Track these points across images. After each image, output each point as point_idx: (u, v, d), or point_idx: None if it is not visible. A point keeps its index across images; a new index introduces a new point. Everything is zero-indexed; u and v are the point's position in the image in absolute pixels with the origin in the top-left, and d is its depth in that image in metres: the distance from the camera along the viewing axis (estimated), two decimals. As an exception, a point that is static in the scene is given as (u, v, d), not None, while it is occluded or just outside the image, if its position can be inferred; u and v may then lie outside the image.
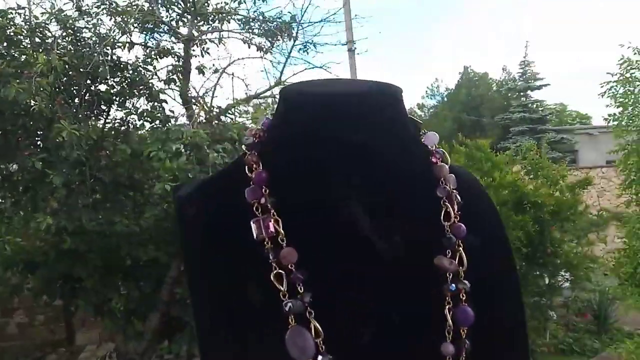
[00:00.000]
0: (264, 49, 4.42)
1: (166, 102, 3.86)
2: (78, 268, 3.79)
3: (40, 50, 3.14)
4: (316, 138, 0.51)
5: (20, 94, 2.84)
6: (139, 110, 3.81)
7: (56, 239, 3.95)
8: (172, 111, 3.93)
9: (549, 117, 19.22)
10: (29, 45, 3.31)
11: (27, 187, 3.34)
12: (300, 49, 4.58)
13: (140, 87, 3.71)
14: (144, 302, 4.05)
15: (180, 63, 4.12)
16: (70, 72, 3.39)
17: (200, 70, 4.16)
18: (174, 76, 4.07)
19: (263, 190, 0.49)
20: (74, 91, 3.55)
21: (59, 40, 3.41)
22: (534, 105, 19.02)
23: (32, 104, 2.88)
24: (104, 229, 3.63)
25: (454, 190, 0.52)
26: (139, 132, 3.87)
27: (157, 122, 3.74)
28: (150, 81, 3.82)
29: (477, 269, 0.50)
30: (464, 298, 0.48)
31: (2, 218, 3.37)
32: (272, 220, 0.47)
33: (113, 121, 4.03)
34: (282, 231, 0.47)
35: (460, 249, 0.50)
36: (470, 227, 0.51)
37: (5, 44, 3.23)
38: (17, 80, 2.93)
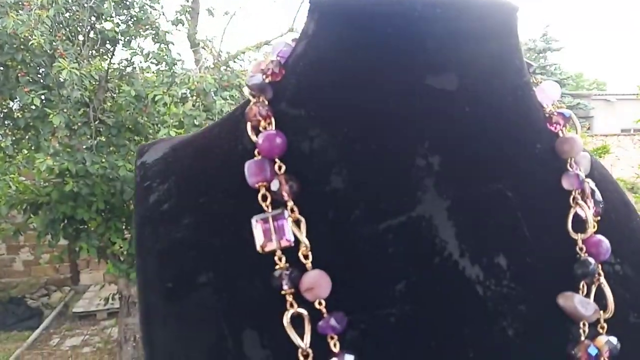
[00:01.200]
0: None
1: (173, 44, 3.70)
2: (81, 210, 3.77)
3: (41, -19, 2.97)
4: (372, 80, 0.30)
5: (18, 25, 2.71)
6: (145, 52, 3.67)
7: (59, 180, 3.92)
8: (179, 54, 3.79)
9: (565, 81, 18.76)
10: (29, -24, 3.14)
11: (28, 126, 3.26)
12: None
13: (146, 27, 3.56)
14: (147, 247, 4.05)
15: (189, 3, 3.94)
16: (72, 7, 3.23)
17: (210, 12, 3.98)
18: (182, 17, 3.90)
19: (276, 166, 0.30)
20: (77, 28, 3.41)
21: (62, -28, 3.24)
22: (553, 68, 18.52)
23: (32, 39, 2.75)
24: (108, 172, 3.58)
25: (589, 181, 0.32)
26: (145, 74, 3.75)
27: (163, 64, 3.61)
28: (157, 21, 3.66)
29: (622, 315, 0.31)
30: None
31: (3, 157, 3.31)
32: (290, 219, 0.29)
33: (118, 62, 3.90)
34: (306, 240, 0.28)
35: (602, 279, 0.30)
36: (615, 244, 0.31)
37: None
38: (17, 12, 2.80)
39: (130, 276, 4.05)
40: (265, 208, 0.29)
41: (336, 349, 0.27)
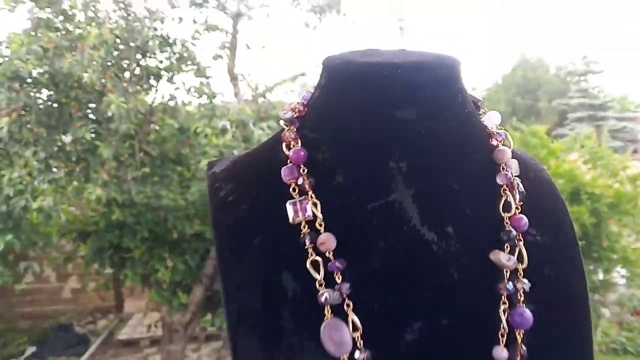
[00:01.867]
0: (312, 26, 4.35)
1: (213, 78, 3.87)
2: (126, 239, 3.91)
3: (93, 24, 3.20)
4: (361, 113, 0.46)
5: (73, 66, 2.91)
6: (187, 86, 3.84)
7: (106, 210, 4.10)
8: (218, 88, 3.96)
9: (609, 103, 18.21)
10: (82, 19, 3.38)
11: (79, 158, 3.45)
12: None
13: (188, 63, 3.74)
14: (189, 275, 4.15)
15: (228, 39, 4.12)
16: (120, 46, 3.45)
17: (248, 47, 4.15)
18: (222, 52, 4.08)
19: (301, 169, 0.46)
20: (124, 65, 3.62)
21: (111, 15, 3.47)
22: (595, 91, 18.06)
23: (85, 77, 2.95)
24: (152, 201, 3.72)
25: (517, 178, 0.47)
26: (187, 107, 3.91)
27: (204, 98, 3.76)
28: (198, 57, 3.84)
29: (538, 268, 0.45)
30: (522, 299, 0.43)
31: (56, 188, 3.50)
32: (310, 202, 0.44)
33: (162, 97, 4.09)
34: (321, 215, 0.44)
35: (521, 244, 0.45)
36: (534, 221, 0.46)
37: (61, 17, 3.32)
38: (72, 53, 3.01)
39: (173, 303, 4.14)
40: (295, 196, 0.46)
41: (339, 281, 0.43)
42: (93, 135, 3.18)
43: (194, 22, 3.99)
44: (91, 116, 3.41)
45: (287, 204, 0.44)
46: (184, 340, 4.50)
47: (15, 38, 3.12)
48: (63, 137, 3.47)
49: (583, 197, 4.21)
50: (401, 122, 0.45)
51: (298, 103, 0.50)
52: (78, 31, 3.24)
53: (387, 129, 0.45)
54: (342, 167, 0.46)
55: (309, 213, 0.43)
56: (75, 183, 3.76)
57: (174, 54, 3.81)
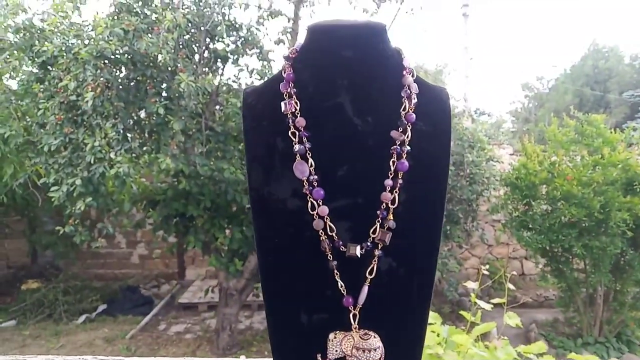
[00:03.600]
0: (371, 12, 4.48)
1: (274, 61, 4.10)
2: (191, 207, 4.24)
3: (168, 9, 3.50)
4: (324, 53, 0.75)
5: (150, 47, 3.23)
6: (250, 68, 4.10)
7: (173, 180, 4.46)
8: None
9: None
10: (159, 4, 3.70)
11: (152, 131, 3.79)
12: (406, 12, 4.57)
13: (252, 47, 3.99)
14: (245, 244, 4.44)
15: (290, 24, 4.34)
16: (192, 30, 3.74)
17: (308, 31, 4.34)
18: (284, 37, 4.30)
19: (290, 84, 0.74)
20: (195, 48, 3.92)
21: (184, 1, 3.76)
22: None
23: (159, 57, 3.26)
24: (215, 174, 4.02)
25: (413, 93, 0.74)
26: (249, 88, 4.17)
27: (266, 79, 4.00)
28: (262, 41, 4.08)
29: (419, 143, 0.73)
30: (404, 156, 0.72)
31: (131, 158, 3.87)
32: (293, 101, 0.72)
33: (227, 78, 4.38)
34: (298, 108, 0.73)
35: (409, 129, 0.73)
36: (422, 117, 0.74)
37: (140, 3, 3.65)
38: (149, 35, 3.33)
39: (230, 269, 4.46)
40: (286, 98, 0.74)
41: (306, 142, 0.72)
42: (165, 111, 3.49)
43: (259, 7, 4.23)
44: (164, 94, 3.73)
45: (282, 103, 0.73)
46: (239, 305, 4.84)
47: (100, 21, 3.47)
48: (139, 111, 3.83)
49: (637, 187, 4.15)
50: (344, 57, 0.74)
51: (294, 49, 0.78)
52: (155, 15, 3.55)
53: (336, 61, 0.74)
54: (312, 83, 0.74)
55: (293, 106, 0.72)
56: (146, 156, 4.13)
57: (240, 38, 4.08)
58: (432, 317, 1.78)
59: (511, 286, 2.14)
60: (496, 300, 2.06)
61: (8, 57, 3.92)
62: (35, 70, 3.93)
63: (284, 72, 0.75)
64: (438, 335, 1.71)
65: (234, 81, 4.34)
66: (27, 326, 5.66)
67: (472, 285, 2.19)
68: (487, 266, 2.34)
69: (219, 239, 4.35)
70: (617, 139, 4.49)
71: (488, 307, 1.97)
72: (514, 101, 23.73)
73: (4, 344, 5.14)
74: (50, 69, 3.75)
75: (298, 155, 0.71)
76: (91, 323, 5.80)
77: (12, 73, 4.29)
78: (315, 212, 0.70)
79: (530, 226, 4.67)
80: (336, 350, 0.69)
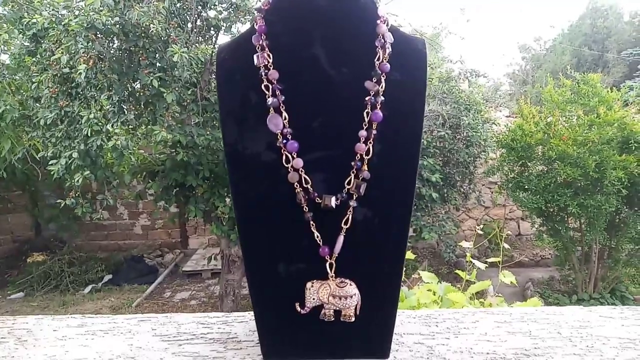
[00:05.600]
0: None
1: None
2: (190, 177, 4.27)
3: (158, -24, 3.44)
4: (297, 3, 0.73)
5: (141, 17, 3.20)
6: (243, 36, 4.06)
7: (172, 151, 4.48)
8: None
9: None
10: (148, -28, 3.63)
11: (147, 102, 3.78)
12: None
13: (244, 13, 3.94)
14: (245, 212, 4.48)
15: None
16: (183, -2, 3.68)
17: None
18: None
19: (262, 36, 0.72)
20: (187, 16, 3.87)
21: (174, -33, 3.69)
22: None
23: (152, 27, 3.23)
24: (212, 144, 4.04)
25: (388, 43, 0.73)
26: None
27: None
28: (253, 7, 4.03)
29: (393, 93, 0.73)
30: (379, 106, 0.71)
31: (128, 130, 3.87)
32: (265, 54, 0.71)
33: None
34: (271, 61, 0.71)
35: (383, 79, 0.72)
36: (397, 67, 0.73)
37: (129, -29, 3.59)
38: (139, 5, 3.29)
39: (231, 237, 4.53)
40: (258, 52, 0.72)
41: (279, 94, 0.70)
42: (159, 81, 3.48)
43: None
44: (158, 64, 3.70)
45: (254, 56, 0.71)
46: (241, 271, 4.93)
47: (89, -9, 3.42)
48: (133, 83, 3.82)
49: (632, 145, 4.17)
50: (318, 6, 0.73)
51: (267, 0, 0.76)
52: (145, -16, 3.50)
53: (310, 10, 0.73)
54: (285, 34, 0.73)
55: (266, 59, 0.71)
56: (143, 127, 4.13)
57: (232, 4, 4.02)
58: (429, 277, 1.84)
59: (507, 246, 2.19)
60: (492, 259, 2.12)
61: (-2, 30, 3.88)
62: (26, 43, 3.90)
63: (256, 25, 0.73)
64: (434, 293, 1.76)
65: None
66: (34, 298, 5.78)
67: (467, 244, 2.25)
68: (482, 226, 2.39)
69: (220, 207, 4.40)
70: (613, 98, 4.49)
71: (483, 266, 2.03)
72: (511, 63, 23.45)
73: (13, 315, 5.26)
74: (42, 41, 3.71)
75: (272, 108, 0.70)
76: (97, 293, 5.92)
77: (3, 47, 4.25)
78: (290, 165, 0.70)
79: (526, 187, 4.72)
80: (313, 299, 0.72)
